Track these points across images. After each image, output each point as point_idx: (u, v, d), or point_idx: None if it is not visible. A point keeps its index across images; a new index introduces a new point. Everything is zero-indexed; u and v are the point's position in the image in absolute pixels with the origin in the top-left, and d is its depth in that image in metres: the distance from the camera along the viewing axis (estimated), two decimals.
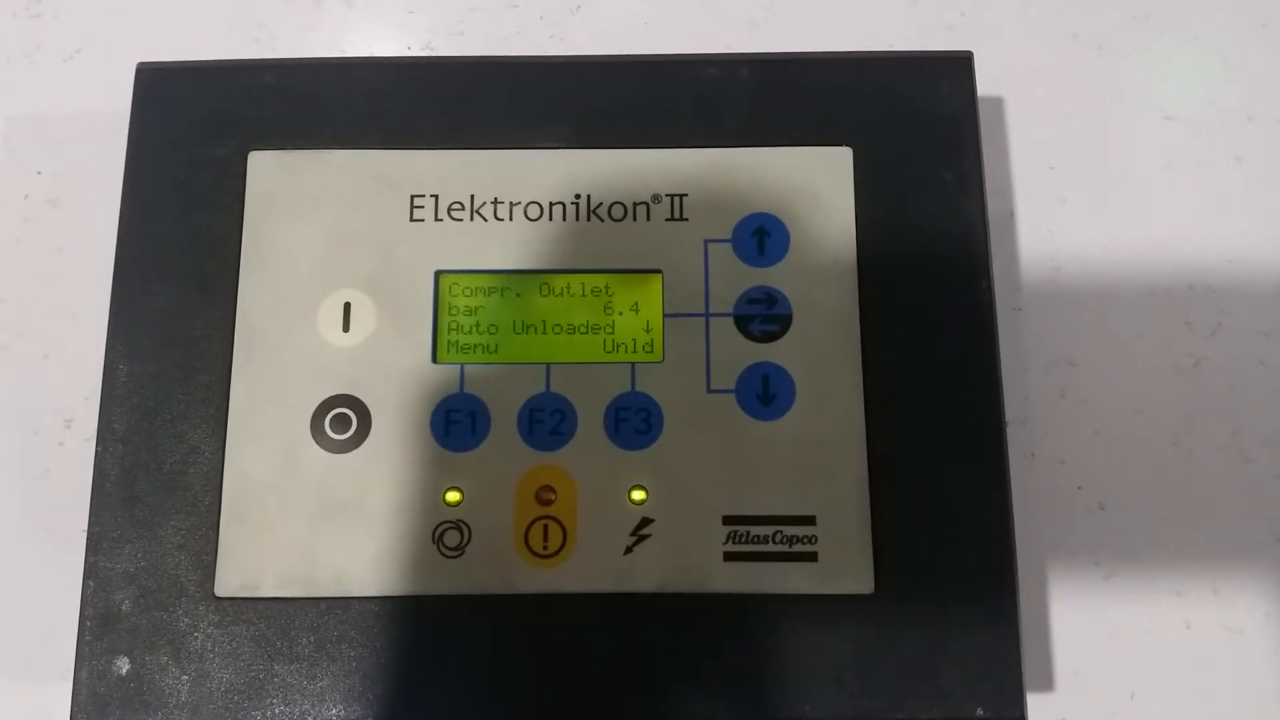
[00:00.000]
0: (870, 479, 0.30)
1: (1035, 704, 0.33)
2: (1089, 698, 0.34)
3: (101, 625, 0.29)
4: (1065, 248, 0.37)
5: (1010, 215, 0.38)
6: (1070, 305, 0.37)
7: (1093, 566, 0.35)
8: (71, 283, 0.38)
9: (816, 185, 0.31)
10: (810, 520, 0.30)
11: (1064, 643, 0.35)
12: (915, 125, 0.32)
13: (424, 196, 0.31)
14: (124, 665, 0.29)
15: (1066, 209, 0.38)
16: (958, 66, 0.32)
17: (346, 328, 0.31)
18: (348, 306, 0.31)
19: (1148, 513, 0.36)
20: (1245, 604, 0.35)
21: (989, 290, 0.31)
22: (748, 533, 0.30)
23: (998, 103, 0.38)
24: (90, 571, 0.29)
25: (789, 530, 0.30)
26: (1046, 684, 0.34)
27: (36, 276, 0.38)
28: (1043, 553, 0.35)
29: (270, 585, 0.29)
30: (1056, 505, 0.36)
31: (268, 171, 0.31)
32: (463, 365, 0.31)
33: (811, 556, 0.29)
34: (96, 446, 0.30)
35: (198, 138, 0.32)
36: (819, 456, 0.30)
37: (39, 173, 0.39)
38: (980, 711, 0.29)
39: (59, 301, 0.38)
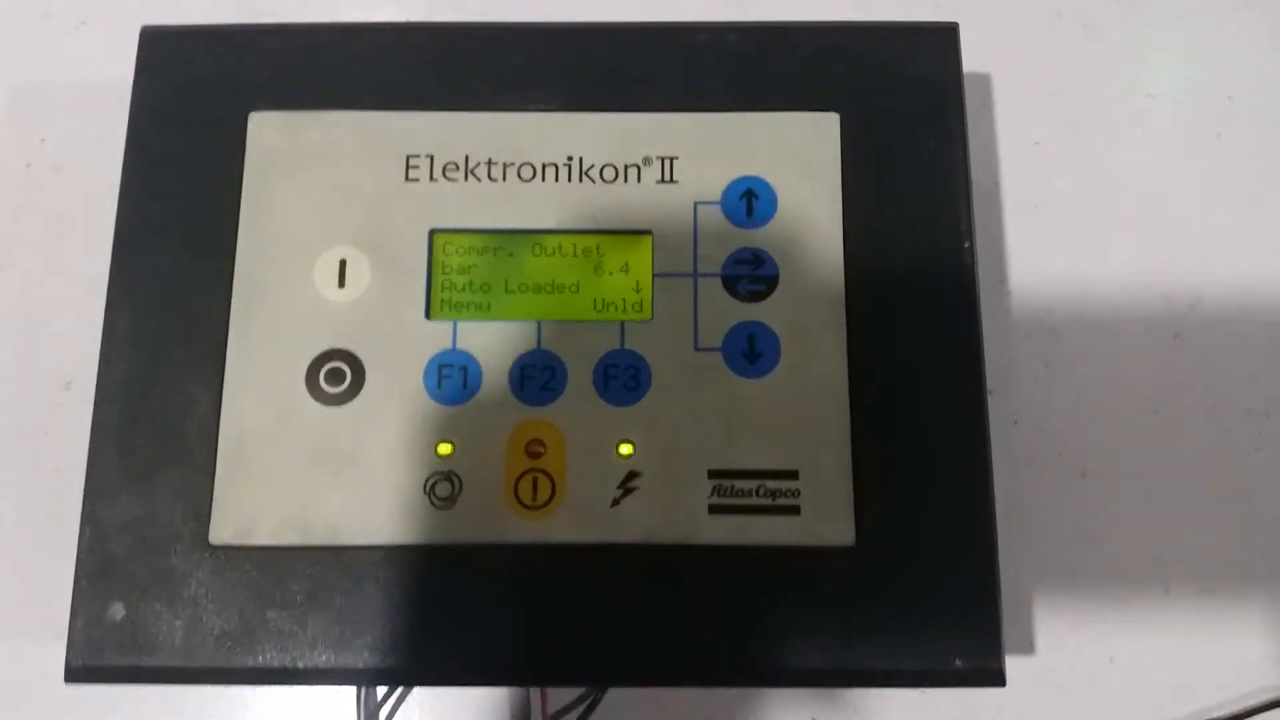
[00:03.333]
0: (853, 435, 0.30)
1: (1015, 667, 0.34)
2: (1069, 661, 0.35)
3: (97, 572, 0.30)
4: (1049, 221, 0.38)
5: (995, 187, 0.38)
6: (1053, 277, 0.38)
7: (1074, 532, 0.36)
8: (73, 248, 0.38)
9: (804, 149, 0.32)
10: (793, 475, 0.30)
11: (1044, 607, 0.35)
12: (902, 93, 0.32)
13: (419, 157, 0.32)
14: (119, 611, 0.29)
15: (1051, 183, 0.38)
16: (944, 36, 0.33)
17: (342, 284, 0.31)
18: (343, 263, 0.32)
19: (1128, 480, 0.36)
20: (1222, 570, 0.36)
21: (971, 252, 0.31)
22: (732, 486, 0.30)
23: (984, 79, 0.39)
24: (87, 519, 0.30)
25: (773, 484, 0.30)
26: (1027, 647, 0.35)
27: (39, 242, 0.39)
28: (1024, 518, 0.36)
29: (264, 534, 0.30)
30: (1039, 472, 0.36)
31: (267, 131, 0.32)
32: (456, 322, 0.31)
33: (794, 510, 0.30)
34: (95, 397, 0.31)
35: (199, 98, 0.32)
36: (803, 413, 0.31)
37: (42, 140, 0.40)
38: (958, 662, 0.29)
39: (60, 266, 0.38)
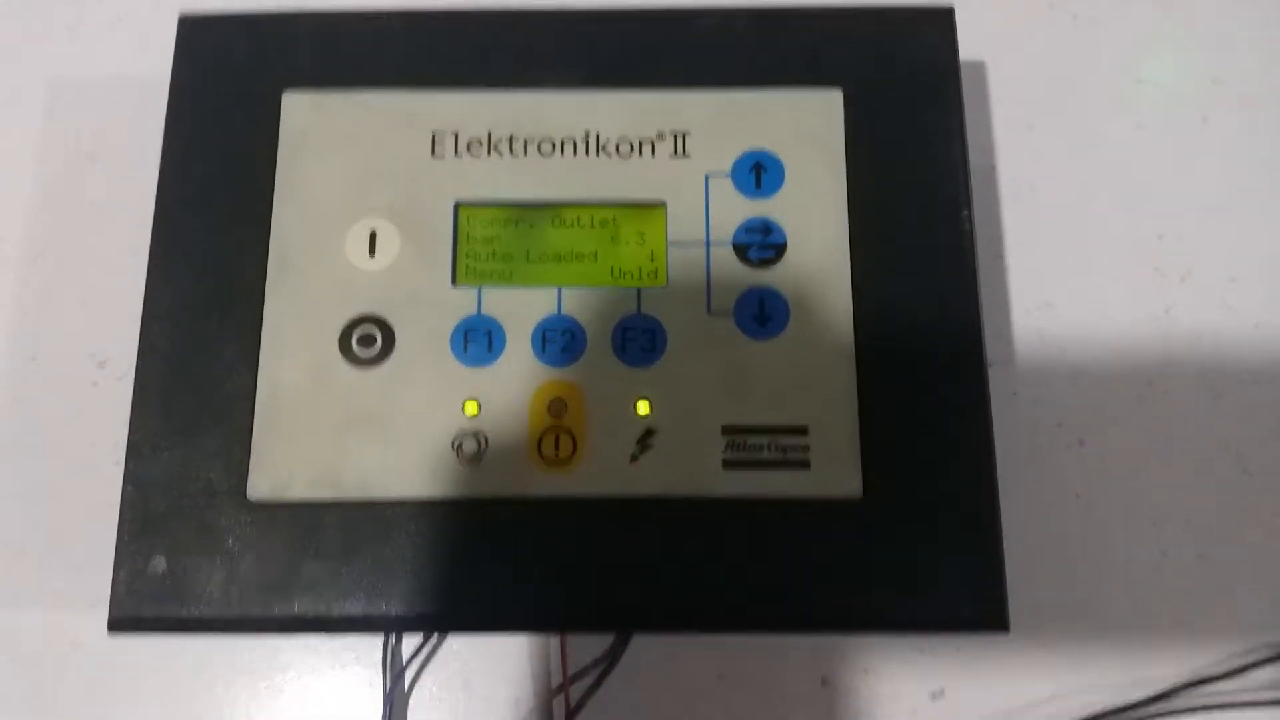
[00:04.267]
0: (859, 393, 0.32)
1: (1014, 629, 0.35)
2: (1068, 624, 0.36)
3: (140, 527, 0.31)
4: (1044, 200, 0.40)
5: (992, 170, 0.40)
6: (1049, 254, 0.39)
7: (1072, 498, 0.37)
8: (106, 235, 0.40)
9: (810, 124, 0.34)
10: (803, 430, 0.32)
11: (1044, 570, 0.36)
12: (902, 71, 0.34)
13: (445, 134, 0.34)
14: (160, 564, 0.31)
15: (1044, 164, 0.40)
16: (941, 18, 0.35)
17: (373, 253, 0.33)
18: (374, 234, 0.33)
19: (1124, 447, 0.38)
20: (1217, 532, 0.37)
21: (969, 220, 0.33)
22: (745, 442, 0.32)
23: (979, 66, 0.41)
24: (129, 477, 0.31)
25: (783, 440, 0.32)
26: (1028, 611, 0.36)
27: (74, 229, 0.40)
28: (1024, 485, 0.37)
29: (299, 489, 0.31)
30: (1038, 441, 0.38)
31: (300, 111, 0.34)
32: (480, 288, 0.33)
33: (804, 464, 0.32)
34: (137, 362, 0.32)
35: (235, 81, 0.34)
36: (811, 373, 0.32)
37: (78, 131, 0.42)
38: (964, 608, 0.31)
39: (94, 253, 0.40)
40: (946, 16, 0.35)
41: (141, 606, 0.31)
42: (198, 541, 0.31)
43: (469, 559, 0.31)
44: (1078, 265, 0.39)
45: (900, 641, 0.36)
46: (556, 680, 0.35)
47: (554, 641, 0.35)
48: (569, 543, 0.31)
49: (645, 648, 0.35)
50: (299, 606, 0.31)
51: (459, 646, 0.36)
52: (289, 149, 0.34)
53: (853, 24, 0.35)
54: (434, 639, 0.35)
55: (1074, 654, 0.36)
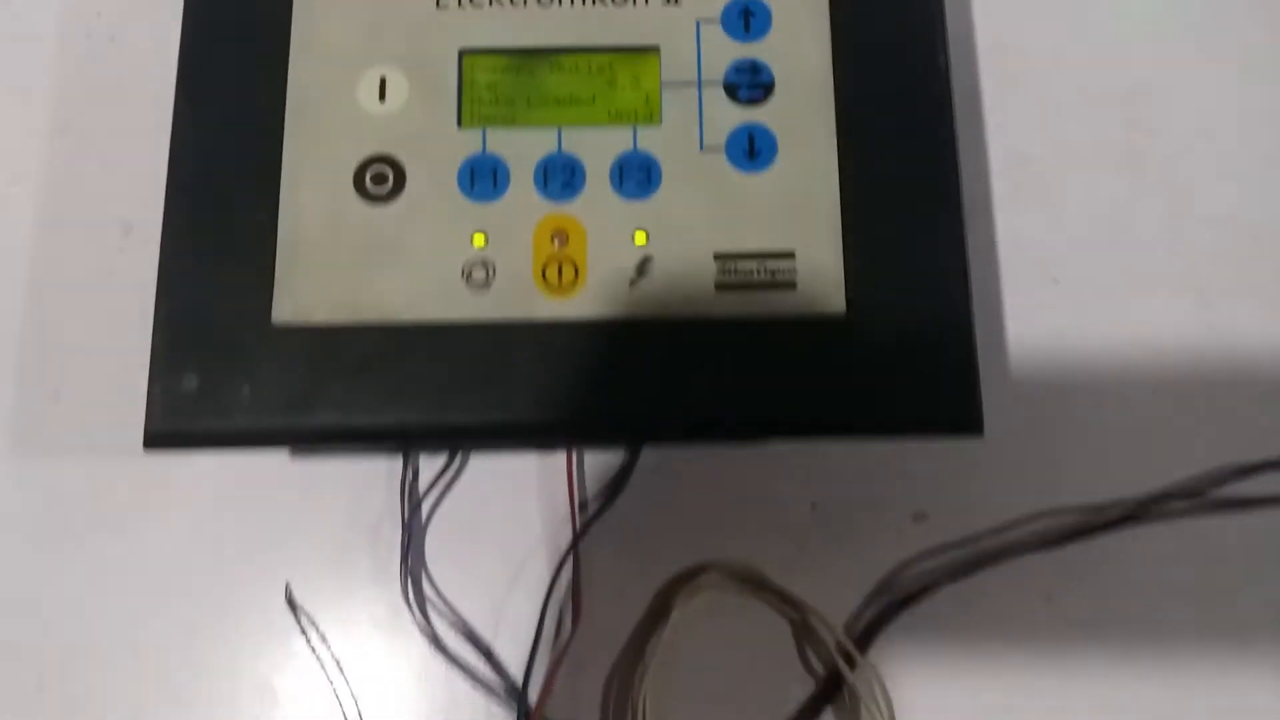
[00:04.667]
0: (843, 219, 0.34)
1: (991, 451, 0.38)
2: (1043, 446, 0.39)
3: (172, 349, 0.33)
4: (1019, 58, 0.42)
5: (969, 35, 0.42)
6: (1024, 107, 0.41)
7: (1048, 331, 0.39)
8: (127, 109, 0.42)
9: None
10: (790, 255, 0.34)
11: (1020, 393, 0.39)
12: None
13: None
14: (193, 381, 0.33)
15: (1021, 27, 0.42)
16: None
17: (383, 98, 0.35)
18: (383, 80, 0.35)
19: (1097, 285, 0.40)
20: (1176, 358, 0.39)
21: (946, 61, 0.35)
22: (736, 266, 0.34)
23: None
24: (161, 304, 0.34)
25: (772, 263, 0.34)
26: (1005, 429, 0.38)
27: (96, 106, 0.42)
28: (1003, 320, 0.39)
29: (321, 314, 0.34)
30: (1016, 280, 0.40)
31: None
32: (485, 129, 0.35)
33: (791, 285, 0.34)
34: (165, 200, 0.34)
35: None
36: (798, 201, 0.34)
37: (99, 14, 0.43)
38: (941, 416, 0.33)
39: (115, 126, 0.42)
40: None
41: (175, 422, 0.33)
42: (226, 362, 0.33)
43: (478, 377, 0.33)
44: (1049, 116, 0.41)
45: (884, 467, 0.38)
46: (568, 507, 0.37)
47: (564, 468, 0.37)
48: (574, 363, 0.33)
49: (646, 477, 0.38)
50: (322, 419, 0.33)
51: (472, 477, 0.38)
52: (302, 3, 0.36)
53: None
54: (450, 470, 0.38)
55: (1049, 475, 0.38)
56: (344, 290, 0.34)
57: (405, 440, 0.35)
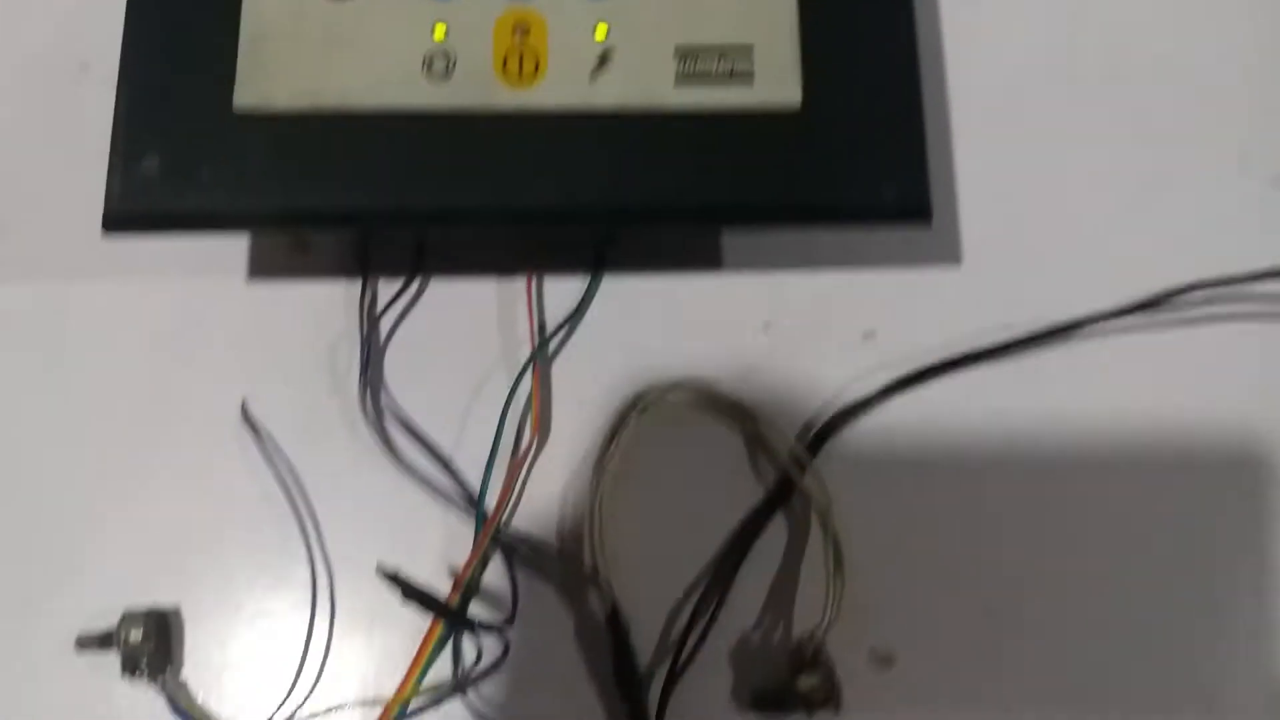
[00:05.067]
0: (800, 14, 0.35)
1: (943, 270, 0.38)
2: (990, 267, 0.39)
3: (133, 130, 0.33)
4: None
5: None
6: None
7: (990, 160, 0.40)
8: None
9: None
10: (748, 49, 0.35)
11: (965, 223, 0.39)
12: None
13: None
14: (153, 163, 0.33)
15: None
16: None
17: None
18: None
19: (1039, 121, 0.41)
20: (1110, 182, 0.40)
21: None
22: (695, 61, 0.34)
23: None
24: (124, 80, 0.34)
25: (730, 57, 0.34)
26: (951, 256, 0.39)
27: None
28: (951, 149, 0.40)
29: (281, 100, 0.34)
30: (962, 114, 0.41)
31: None
32: None
33: (749, 77, 0.34)
34: None
35: None
36: (757, 2, 0.35)
37: None
38: (891, 200, 0.34)
39: None
40: None
41: (135, 203, 0.33)
42: (187, 146, 0.33)
43: (439, 163, 0.34)
44: None
45: (834, 289, 0.39)
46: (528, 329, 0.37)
47: (524, 294, 0.38)
48: (534, 149, 0.34)
49: (605, 303, 0.38)
50: (281, 201, 0.33)
51: (431, 301, 0.38)
52: None
53: None
54: (409, 291, 0.38)
55: (991, 298, 0.39)
56: (305, 78, 0.34)
57: (363, 223, 0.35)
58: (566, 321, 0.38)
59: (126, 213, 0.33)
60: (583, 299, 0.38)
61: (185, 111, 0.34)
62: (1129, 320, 0.38)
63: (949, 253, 0.39)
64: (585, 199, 0.34)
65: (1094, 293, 0.38)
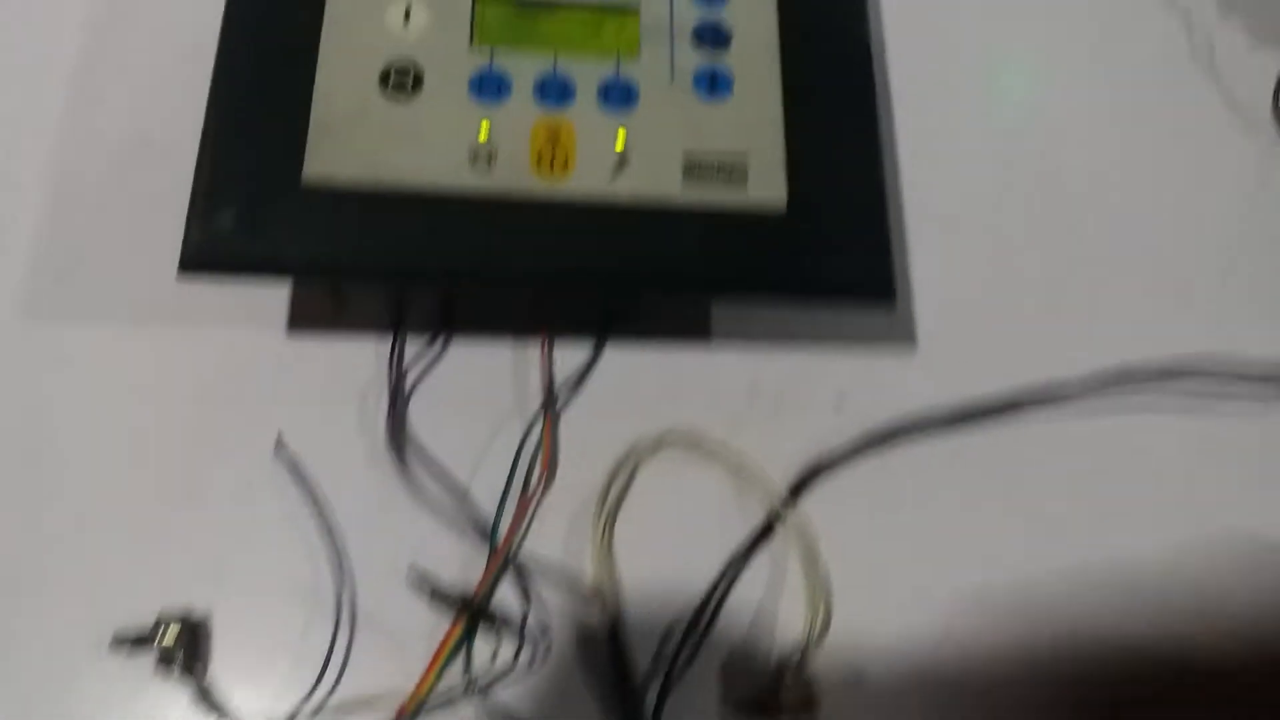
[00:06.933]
0: (786, 133, 0.42)
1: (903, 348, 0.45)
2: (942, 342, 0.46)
3: (211, 189, 0.38)
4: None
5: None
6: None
7: (939, 253, 0.47)
8: (146, 27, 0.47)
9: None
10: (743, 155, 0.42)
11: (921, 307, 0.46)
12: None
13: None
14: (227, 217, 0.38)
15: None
16: None
17: (407, 22, 0.42)
18: (408, 8, 0.42)
19: (982, 219, 0.48)
20: (1040, 275, 0.47)
21: (868, 32, 0.44)
22: (699, 162, 0.41)
23: None
24: (204, 152, 0.39)
25: (728, 161, 0.41)
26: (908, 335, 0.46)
27: (118, 23, 0.48)
28: (905, 237, 0.47)
29: (343, 177, 0.39)
30: (916, 214, 0.48)
31: None
32: (493, 48, 0.42)
33: (744, 179, 0.41)
34: (213, 73, 0.40)
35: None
36: (751, 121, 0.42)
37: None
38: (862, 282, 0.40)
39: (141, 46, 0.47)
40: None
41: (208, 250, 0.38)
42: (258, 205, 0.38)
43: (482, 242, 0.39)
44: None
45: (810, 355, 0.44)
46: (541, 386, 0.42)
47: (538, 357, 0.43)
48: (564, 233, 0.40)
49: (608, 367, 0.43)
50: (335, 258, 0.38)
51: (453, 362, 0.43)
52: None
53: None
54: (435, 349, 0.43)
55: (947, 370, 0.45)
56: (364, 161, 0.39)
57: (406, 281, 0.40)
58: (575, 377, 0.43)
59: (200, 258, 0.38)
60: (590, 360, 0.43)
61: (259, 177, 0.39)
62: (1066, 400, 0.45)
63: (905, 333, 0.45)
64: (601, 270, 0.40)
65: (1036, 368, 0.45)
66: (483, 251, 0.39)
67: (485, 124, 0.41)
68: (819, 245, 0.41)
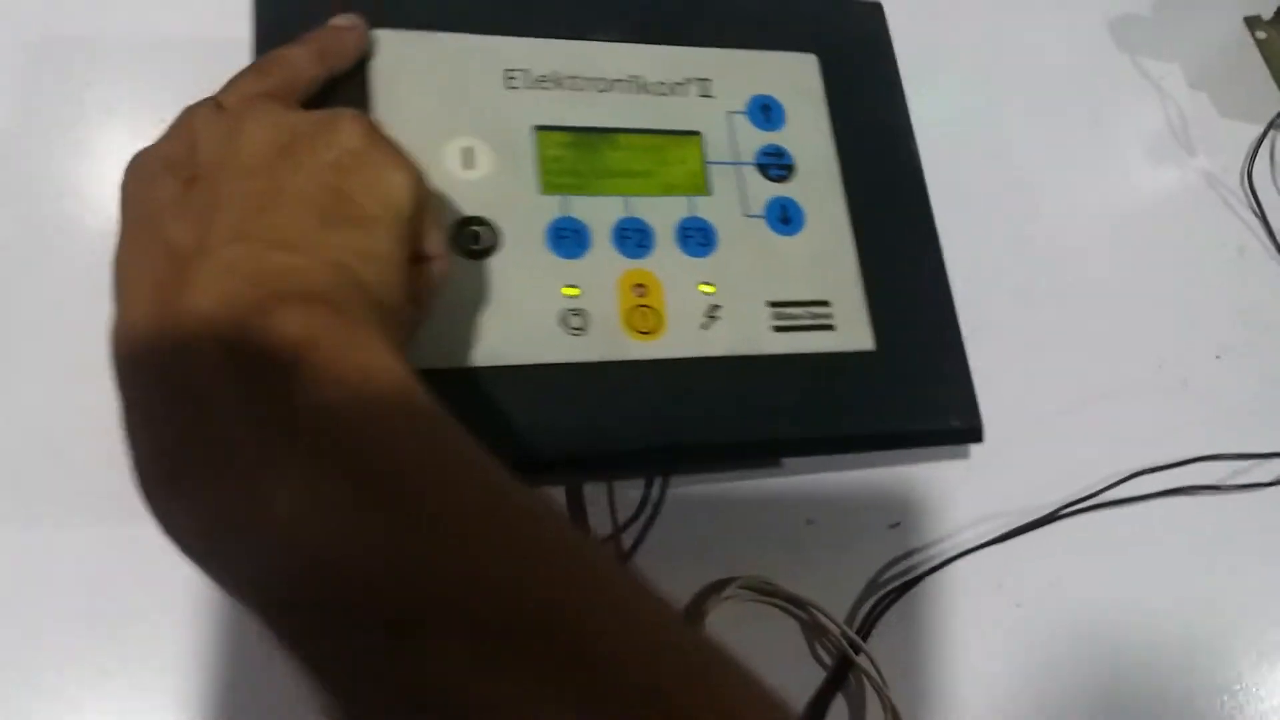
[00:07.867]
0: (862, 273, 0.42)
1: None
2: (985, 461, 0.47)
3: None
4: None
5: None
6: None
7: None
8: None
9: (798, 77, 0.44)
10: (826, 303, 0.41)
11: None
12: (851, 40, 0.45)
13: (515, 71, 0.40)
14: None
15: None
16: (873, 9, 0.46)
17: (469, 166, 0.38)
18: (468, 150, 0.39)
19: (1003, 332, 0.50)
20: (1057, 383, 0.50)
21: (915, 153, 0.44)
22: (786, 312, 0.40)
23: None
24: None
25: (814, 310, 0.41)
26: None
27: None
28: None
29: (430, 360, 0.35)
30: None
31: (389, 45, 0.39)
32: (563, 196, 0.39)
33: (830, 327, 0.41)
34: None
35: (327, 15, 0.38)
36: (826, 259, 0.42)
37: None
38: (954, 423, 0.41)
39: None
40: (877, 8, 0.46)
41: None
42: None
43: (582, 408, 0.37)
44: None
45: (863, 487, 0.45)
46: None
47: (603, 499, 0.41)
48: (662, 392, 0.38)
49: (671, 505, 0.42)
50: None
51: None
52: (383, 80, 0.38)
53: (819, 10, 0.45)
54: None
55: (993, 487, 0.47)
56: (451, 339, 0.36)
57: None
58: (642, 518, 0.41)
59: None
60: (657, 501, 0.41)
61: None
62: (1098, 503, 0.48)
63: (958, 451, 0.47)
64: (711, 436, 0.39)
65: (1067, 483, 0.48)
66: (587, 427, 0.37)
67: (571, 287, 0.38)
68: (910, 387, 0.41)
